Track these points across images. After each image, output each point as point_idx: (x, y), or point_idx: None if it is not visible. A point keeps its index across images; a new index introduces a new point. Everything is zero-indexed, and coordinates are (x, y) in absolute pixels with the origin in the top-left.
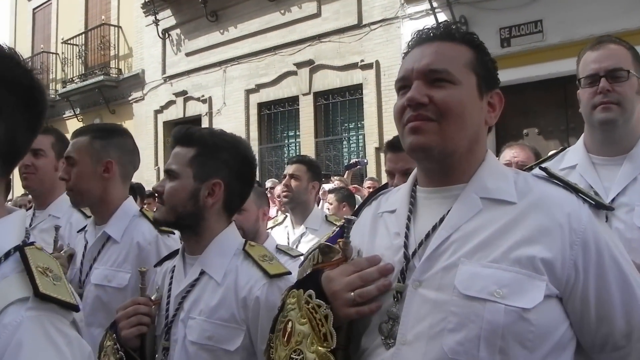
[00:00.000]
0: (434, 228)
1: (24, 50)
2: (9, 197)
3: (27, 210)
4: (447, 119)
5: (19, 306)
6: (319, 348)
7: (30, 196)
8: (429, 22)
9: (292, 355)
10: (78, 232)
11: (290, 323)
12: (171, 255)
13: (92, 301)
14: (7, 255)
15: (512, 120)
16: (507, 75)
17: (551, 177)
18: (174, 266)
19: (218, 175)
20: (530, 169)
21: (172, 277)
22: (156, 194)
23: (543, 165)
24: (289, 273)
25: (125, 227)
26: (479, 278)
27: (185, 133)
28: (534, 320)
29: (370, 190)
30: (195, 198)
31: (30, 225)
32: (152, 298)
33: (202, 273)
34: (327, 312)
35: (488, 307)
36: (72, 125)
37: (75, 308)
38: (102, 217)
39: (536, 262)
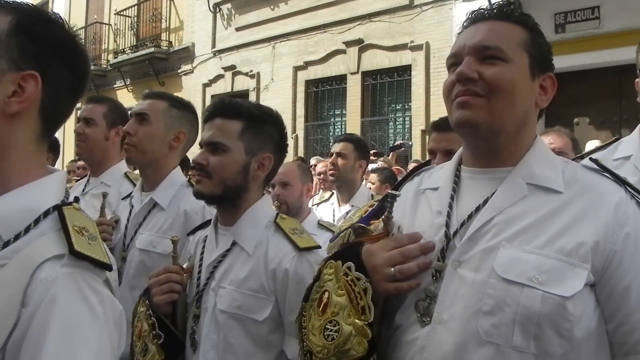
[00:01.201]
0: (477, 209)
1: (78, 21)
2: (58, 162)
3: (79, 178)
4: (496, 95)
5: (54, 262)
6: (356, 321)
7: (78, 163)
8: (481, 4)
9: (326, 326)
10: (123, 199)
11: (326, 294)
12: (204, 225)
13: (136, 265)
14: (47, 213)
15: (563, 109)
16: (560, 62)
17: (601, 169)
18: (206, 235)
19: (267, 149)
20: (582, 157)
21: (204, 247)
22: (197, 167)
23: (594, 155)
24: (319, 247)
25: (173, 195)
26: (518, 262)
27: (230, 105)
28: (571, 309)
29: None
30: (246, 171)
31: (83, 190)
32: (184, 266)
33: (234, 244)
34: (366, 286)
35: (525, 292)
36: (123, 95)
37: (109, 267)
38: (151, 184)
39: (582, 250)
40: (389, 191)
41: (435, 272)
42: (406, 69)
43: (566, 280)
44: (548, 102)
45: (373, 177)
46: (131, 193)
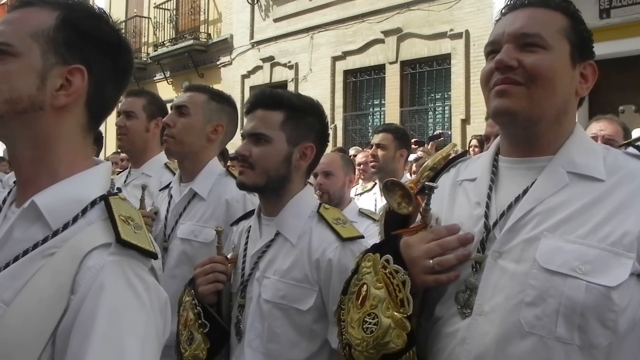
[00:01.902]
0: (517, 199)
1: (119, 14)
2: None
3: (121, 170)
4: (535, 83)
5: (102, 251)
6: (395, 313)
7: (121, 155)
8: None
9: (365, 319)
10: (160, 190)
11: (365, 286)
12: (247, 215)
13: (177, 254)
14: (93, 203)
15: (608, 96)
16: (604, 49)
17: None
18: (250, 226)
19: (309, 139)
20: (629, 145)
21: (247, 237)
22: (240, 158)
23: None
24: (362, 237)
25: (212, 185)
26: (561, 253)
27: (271, 96)
28: (616, 299)
29: None
30: (288, 161)
31: (125, 181)
32: (229, 256)
33: (278, 234)
34: (404, 278)
35: (569, 283)
36: (162, 87)
37: (154, 255)
38: (189, 174)
39: (627, 239)
40: (427, 183)
41: (475, 264)
42: (445, 58)
43: (610, 270)
44: (588, 91)
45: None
46: (169, 184)
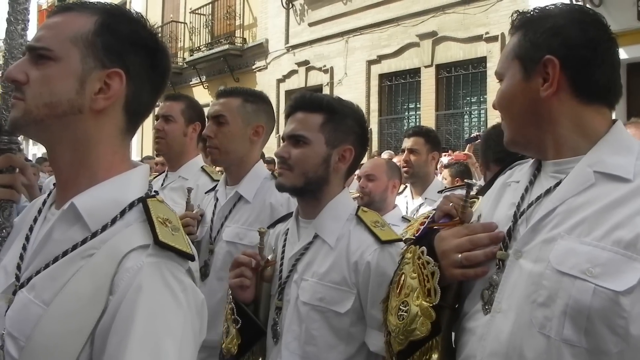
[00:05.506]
0: (538, 199)
1: (155, 20)
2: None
3: (156, 173)
4: (502, 114)
5: (140, 252)
6: (423, 302)
7: (156, 159)
8: None
9: (400, 306)
10: (206, 192)
11: (403, 276)
12: (284, 218)
13: (223, 257)
14: (132, 205)
15: None
16: None
17: None
18: (287, 228)
19: (348, 141)
20: None
21: (285, 240)
22: (279, 160)
23: None
24: (400, 239)
25: (257, 188)
26: (573, 254)
27: (311, 99)
28: (626, 305)
29: None
30: (327, 163)
31: (162, 185)
32: (269, 258)
33: (316, 236)
34: (434, 269)
35: (577, 285)
36: (198, 92)
37: (191, 257)
38: (235, 178)
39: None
40: (466, 180)
41: (499, 262)
42: (481, 61)
43: (621, 274)
44: (553, 88)
45: (446, 172)
46: (215, 187)
